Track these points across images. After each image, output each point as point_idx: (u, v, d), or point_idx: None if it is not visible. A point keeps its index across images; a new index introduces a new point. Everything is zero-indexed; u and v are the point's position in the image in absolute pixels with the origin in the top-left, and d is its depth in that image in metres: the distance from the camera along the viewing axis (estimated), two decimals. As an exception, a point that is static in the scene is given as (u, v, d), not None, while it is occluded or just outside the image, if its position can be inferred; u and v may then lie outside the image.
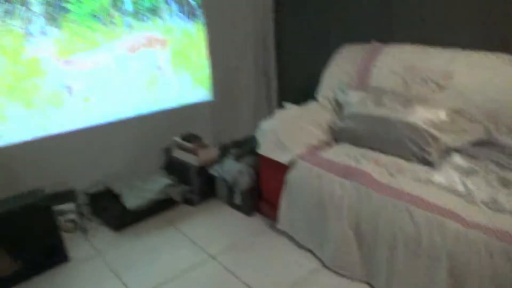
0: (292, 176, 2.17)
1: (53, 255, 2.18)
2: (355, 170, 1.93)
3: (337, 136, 2.32)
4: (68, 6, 2.36)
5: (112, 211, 2.54)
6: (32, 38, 2.27)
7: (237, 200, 2.60)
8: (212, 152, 2.76)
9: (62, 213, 2.42)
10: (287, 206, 2.23)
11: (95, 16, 2.48)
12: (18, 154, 2.32)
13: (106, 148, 2.70)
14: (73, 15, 2.39)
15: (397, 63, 2.32)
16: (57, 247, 2.20)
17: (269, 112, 3.41)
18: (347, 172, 1.95)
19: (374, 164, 1.96)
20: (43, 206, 2.11)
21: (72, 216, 2.46)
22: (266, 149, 2.30)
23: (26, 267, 2.08)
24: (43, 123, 2.41)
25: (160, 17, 2.78)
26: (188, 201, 2.74)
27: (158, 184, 2.67)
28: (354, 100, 2.28)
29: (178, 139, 2.82)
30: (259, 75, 3.38)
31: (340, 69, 2.57)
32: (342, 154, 2.11)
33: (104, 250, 2.30)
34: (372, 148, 2.14)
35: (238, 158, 2.64)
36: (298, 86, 3.28)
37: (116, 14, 2.55)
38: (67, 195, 2.52)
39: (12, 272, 2.04)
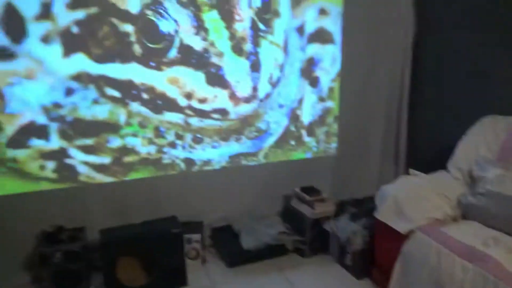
0: (409, 248, 2.07)
1: (176, 277, 2.46)
2: (482, 254, 1.75)
3: (466, 212, 2.13)
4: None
5: (229, 248, 2.76)
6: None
7: (348, 260, 2.56)
8: (329, 207, 2.80)
9: (189, 241, 2.73)
10: (400, 279, 2.11)
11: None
12: (162, 184, 2.75)
13: (233, 188, 2.97)
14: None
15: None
16: (180, 271, 2.48)
17: (395, 176, 3.31)
18: (472, 255, 1.78)
19: (506, 251, 1.75)
20: (176, 232, 2.45)
21: (196, 245, 2.75)
22: (384, 214, 2.25)
23: (154, 283, 2.39)
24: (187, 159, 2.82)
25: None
26: (299, 252, 2.80)
27: (274, 229, 2.80)
28: (492, 176, 2.09)
29: (298, 189, 2.95)
30: (388, 136, 3.33)
31: (479, 141, 2.39)
32: (469, 233, 1.94)
33: (217, 282, 2.51)
34: (506, 232, 1.91)
35: (354, 217, 2.62)
36: (428, 153, 3.12)
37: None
38: (196, 226, 2.84)
39: (143, 284, 2.38)
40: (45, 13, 2.18)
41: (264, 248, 2.71)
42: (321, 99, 3.07)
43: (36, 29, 2.18)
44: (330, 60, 3.01)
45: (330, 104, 3.11)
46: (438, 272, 1.87)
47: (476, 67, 2.70)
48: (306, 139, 3.10)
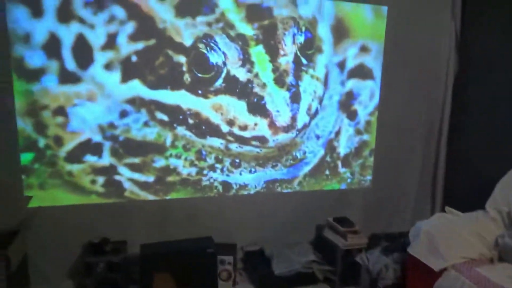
0: (441, 285, 2.06)
1: (208, 296, 2.55)
2: (517, 298, 1.73)
3: (503, 253, 2.11)
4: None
5: (261, 272, 2.81)
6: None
7: (379, 294, 2.55)
8: (361, 239, 2.81)
9: (222, 262, 2.82)
10: (432, 317, 2.09)
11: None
12: (200, 205, 2.87)
13: (268, 213, 3.05)
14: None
15: None
16: (210, 290, 2.57)
17: (431, 213, 3.28)
18: (507, 298, 1.76)
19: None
20: (211, 253, 2.55)
21: (229, 267, 2.83)
22: (417, 250, 2.26)
23: (186, 298, 2.49)
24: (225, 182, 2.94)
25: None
26: (329, 282, 2.81)
27: (305, 258, 2.84)
28: (530, 219, 2.07)
29: (331, 219, 2.99)
30: (425, 172, 3.33)
31: (518, 182, 2.37)
32: (503, 274, 1.92)
33: (247, 305, 2.56)
34: (546, 278, 1.87)
35: (386, 251, 2.62)
36: (467, 192, 3.09)
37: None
38: (229, 248, 2.92)
39: (176, 300, 2.48)
40: (110, 43, 2.43)
41: (294, 275, 2.75)
42: (358, 132, 3.14)
43: (100, 57, 2.43)
44: (368, 94, 3.10)
45: (366, 137, 3.17)
46: (471, 313, 1.85)
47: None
48: (341, 170, 3.16)
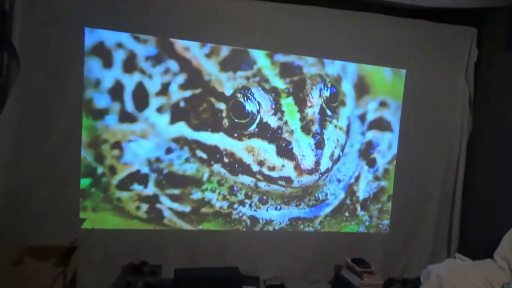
0: (448, 325, 2.22)
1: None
2: (516, 338, 1.89)
3: (508, 300, 2.26)
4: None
5: (280, 305, 3.02)
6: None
7: (391, 334, 2.69)
8: (376, 280, 2.99)
9: (245, 292, 3.05)
10: None
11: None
12: (229, 237, 3.15)
13: (290, 250, 3.26)
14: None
15: None
16: (234, 316, 2.80)
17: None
18: (506, 338, 1.91)
19: None
20: (237, 281, 2.81)
21: (251, 297, 3.06)
22: (427, 290, 2.44)
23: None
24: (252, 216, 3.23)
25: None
26: (345, 320, 2.97)
27: (323, 294, 3.04)
28: (533, 268, 2.23)
29: (349, 260, 3.19)
30: (441, 219, 3.49)
31: (525, 234, 2.54)
32: (507, 319, 2.07)
33: (266, 334, 2.76)
34: (547, 324, 2.01)
35: (399, 292, 2.79)
36: (480, 240, 3.23)
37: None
38: (253, 280, 3.15)
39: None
40: (164, 90, 2.88)
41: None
42: (377, 178, 3.40)
43: (155, 102, 2.88)
44: (387, 144, 3.39)
45: (384, 183, 3.42)
46: None
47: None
48: (360, 213, 3.39)
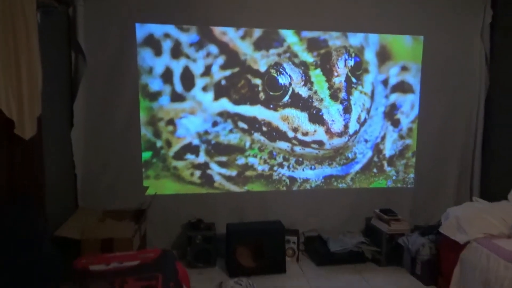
0: (465, 255, 2.61)
1: (277, 265, 3.26)
2: (521, 259, 2.26)
3: (518, 232, 2.61)
4: (321, 108, 3.66)
5: (319, 251, 3.48)
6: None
7: (418, 269, 3.11)
8: (402, 226, 3.39)
9: (288, 242, 3.52)
10: (458, 281, 2.64)
11: (336, 115, 3.69)
12: (271, 196, 3.61)
13: (325, 206, 3.69)
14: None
15: None
16: (280, 261, 3.28)
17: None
18: (513, 259, 2.29)
19: (543, 259, 2.23)
20: (280, 232, 3.28)
21: (293, 246, 3.52)
22: (447, 229, 2.82)
23: (262, 267, 3.22)
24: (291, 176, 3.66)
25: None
26: (376, 261, 3.40)
27: (356, 240, 3.47)
28: (541, 204, 2.56)
29: (377, 210, 3.59)
30: (463, 170, 3.79)
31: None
32: (516, 245, 2.43)
33: (308, 274, 3.24)
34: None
35: (423, 233, 3.18)
36: (500, 187, 3.53)
37: (350, 114, 3.70)
38: (293, 232, 3.62)
39: (252, 266, 3.22)
40: (207, 72, 3.31)
41: (347, 253, 3.38)
42: (401, 137, 3.73)
43: (200, 82, 3.31)
44: (409, 105, 3.69)
45: (408, 141, 3.75)
46: (487, 273, 2.39)
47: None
48: (387, 168, 3.76)
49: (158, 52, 3.23)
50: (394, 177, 3.79)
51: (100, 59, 3.16)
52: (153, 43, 3.21)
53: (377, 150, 3.71)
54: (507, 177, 3.43)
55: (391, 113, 3.68)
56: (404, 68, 3.62)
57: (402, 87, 3.65)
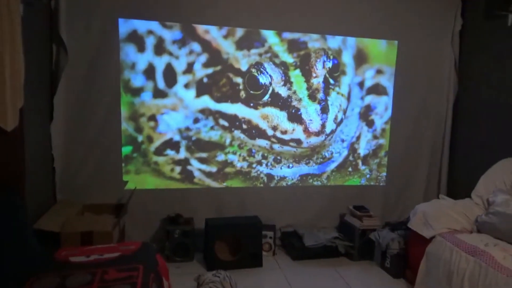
0: (430, 249, 2.78)
1: (254, 259, 3.36)
2: (481, 252, 2.44)
3: (480, 227, 2.80)
4: (299, 107, 3.78)
5: (294, 246, 3.60)
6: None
7: (387, 263, 3.27)
8: (374, 222, 3.55)
9: (264, 236, 3.63)
10: (424, 274, 2.81)
11: (313, 114, 3.82)
12: (249, 192, 3.69)
13: (301, 202, 3.81)
14: (300, 113, 3.79)
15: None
16: (257, 255, 3.37)
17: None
18: (474, 252, 2.47)
19: (501, 251, 2.41)
20: (257, 227, 3.38)
21: (270, 240, 3.63)
22: (414, 224, 2.98)
23: (239, 261, 3.31)
24: (268, 174, 3.77)
25: (356, 119, 3.92)
26: (349, 255, 3.56)
27: (330, 235, 3.61)
28: (500, 200, 2.76)
29: (351, 207, 3.75)
30: (431, 169, 4.01)
31: (497, 177, 3.05)
32: (477, 239, 2.61)
33: (284, 268, 3.36)
34: (508, 242, 2.56)
35: (393, 229, 3.35)
36: (463, 186, 3.75)
37: (327, 114, 3.84)
38: (270, 227, 3.72)
39: (230, 260, 3.30)
40: (189, 69, 3.36)
41: (321, 248, 3.51)
42: (375, 137, 3.90)
43: (182, 79, 3.36)
44: (383, 107, 3.87)
45: (382, 141, 3.92)
46: (449, 265, 2.57)
47: (502, 117, 3.39)
48: (361, 167, 3.92)
49: (141, 48, 3.26)
50: (367, 176, 3.95)
51: (82, 53, 3.16)
52: (136, 39, 3.24)
53: (353, 149, 3.87)
54: (471, 176, 3.64)
55: (366, 114, 3.84)
56: (379, 71, 3.79)
57: (377, 89, 3.82)
